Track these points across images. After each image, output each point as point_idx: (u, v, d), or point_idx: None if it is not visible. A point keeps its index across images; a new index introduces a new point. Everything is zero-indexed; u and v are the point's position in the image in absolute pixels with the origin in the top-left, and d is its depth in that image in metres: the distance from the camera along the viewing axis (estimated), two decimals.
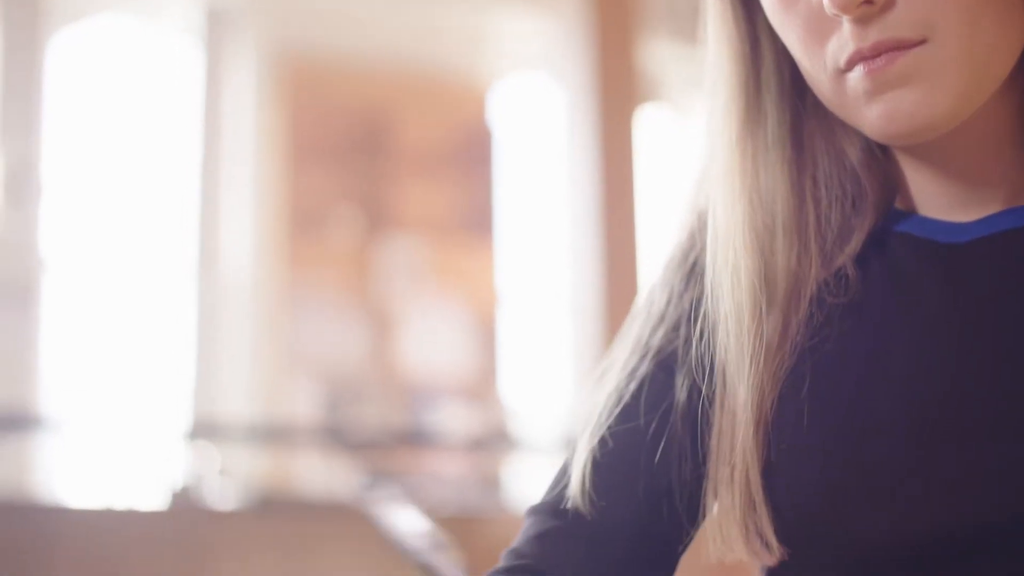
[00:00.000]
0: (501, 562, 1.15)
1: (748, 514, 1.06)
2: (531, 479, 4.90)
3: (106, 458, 4.45)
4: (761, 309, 1.08)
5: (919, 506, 1.01)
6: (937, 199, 1.09)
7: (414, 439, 4.84)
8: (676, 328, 1.15)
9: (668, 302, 1.16)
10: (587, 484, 1.13)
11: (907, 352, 1.05)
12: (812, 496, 1.05)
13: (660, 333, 1.16)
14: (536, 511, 1.17)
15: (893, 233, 1.10)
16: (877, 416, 1.04)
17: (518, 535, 1.17)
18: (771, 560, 1.08)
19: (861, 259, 1.10)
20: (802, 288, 1.09)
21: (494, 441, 5.01)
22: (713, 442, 1.09)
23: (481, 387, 5.12)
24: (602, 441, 1.14)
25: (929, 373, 1.04)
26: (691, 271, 1.16)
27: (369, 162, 5.45)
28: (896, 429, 1.03)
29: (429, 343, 5.02)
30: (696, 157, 1.18)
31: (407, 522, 0.62)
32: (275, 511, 4.32)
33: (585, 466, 1.14)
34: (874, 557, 1.04)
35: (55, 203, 4.50)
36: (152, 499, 4.33)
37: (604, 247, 5.14)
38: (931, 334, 1.05)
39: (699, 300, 1.13)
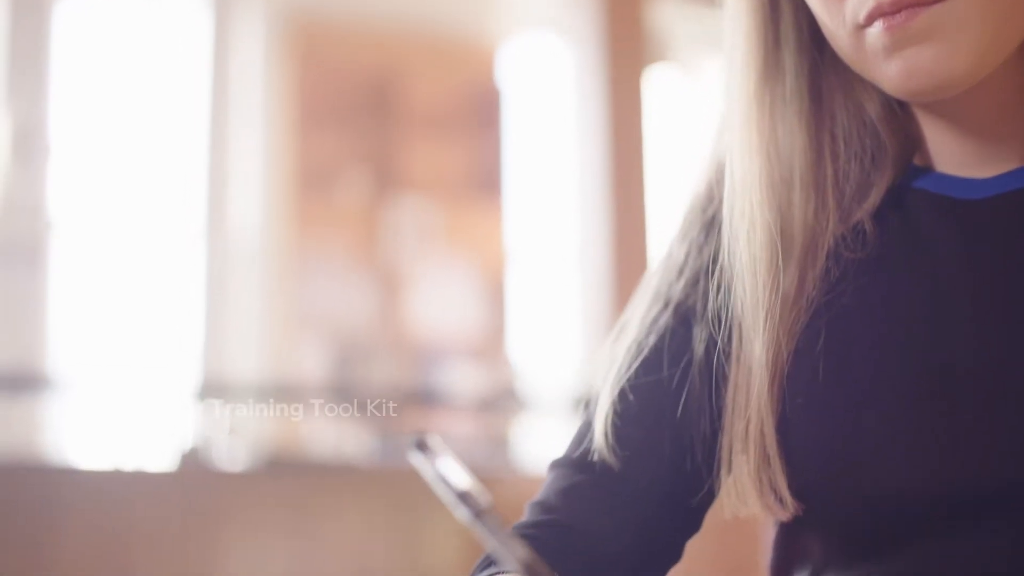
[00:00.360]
0: (527, 515, 1.15)
1: (762, 469, 1.06)
2: (540, 439, 4.90)
3: (114, 419, 4.46)
4: (777, 263, 1.07)
5: (933, 463, 1.01)
6: (954, 156, 1.09)
7: (423, 399, 4.85)
8: (695, 281, 1.14)
9: (687, 254, 1.16)
10: (611, 438, 1.13)
11: (922, 308, 1.05)
12: (826, 451, 1.05)
13: (680, 285, 1.15)
14: (560, 465, 1.17)
15: (911, 189, 1.10)
16: (892, 372, 1.04)
17: (542, 488, 1.17)
18: (784, 515, 1.08)
19: (879, 215, 1.09)
20: (819, 243, 1.08)
21: (503, 401, 5.01)
22: (729, 396, 1.09)
23: (490, 347, 5.12)
24: (624, 394, 1.14)
25: (944, 329, 1.04)
26: (710, 223, 1.15)
27: (378, 123, 5.44)
28: (911, 386, 1.03)
29: (438, 303, 5.02)
30: (714, 111, 1.18)
31: (454, 476, 0.62)
32: (284, 472, 4.32)
33: (608, 419, 1.14)
34: (887, 513, 1.04)
35: (63, 164, 4.50)
36: (161, 460, 4.33)
37: (613, 206, 5.13)
38: (946, 290, 1.05)
39: (717, 253, 1.12)
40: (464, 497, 0.67)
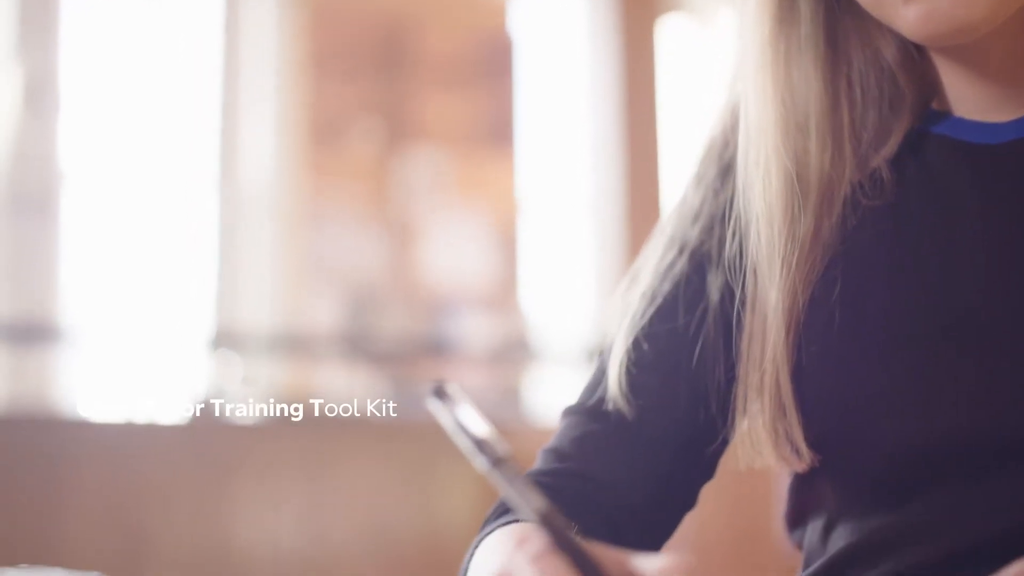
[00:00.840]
0: (541, 462, 1.15)
1: (778, 419, 1.05)
2: (553, 390, 4.90)
3: (127, 371, 4.46)
4: (793, 211, 1.06)
5: (949, 411, 1.01)
6: (972, 100, 1.08)
7: (435, 350, 4.85)
8: (710, 227, 1.13)
9: (703, 200, 1.15)
10: (625, 386, 1.12)
11: (940, 255, 1.04)
12: (842, 400, 1.04)
13: (695, 231, 1.14)
14: (573, 412, 1.16)
15: (929, 135, 1.09)
16: (908, 320, 1.03)
17: (555, 435, 1.17)
18: (801, 466, 1.07)
19: (897, 161, 1.08)
20: (835, 190, 1.07)
21: (515, 352, 5.01)
22: (744, 345, 1.08)
23: (503, 297, 5.12)
24: (639, 342, 1.13)
25: (962, 277, 1.03)
26: (726, 169, 1.14)
27: (390, 73, 5.42)
28: (928, 334, 1.02)
29: (451, 253, 5.01)
30: (728, 58, 1.16)
31: (472, 424, 0.62)
32: (297, 424, 4.33)
33: (622, 368, 1.13)
34: (903, 462, 1.03)
35: (74, 114, 4.49)
36: (173, 413, 4.34)
37: (626, 156, 5.11)
38: (964, 236, 1.04)
39: (733, 199, 1.11)
40: (482, 445, 0.67)
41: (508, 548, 0.66)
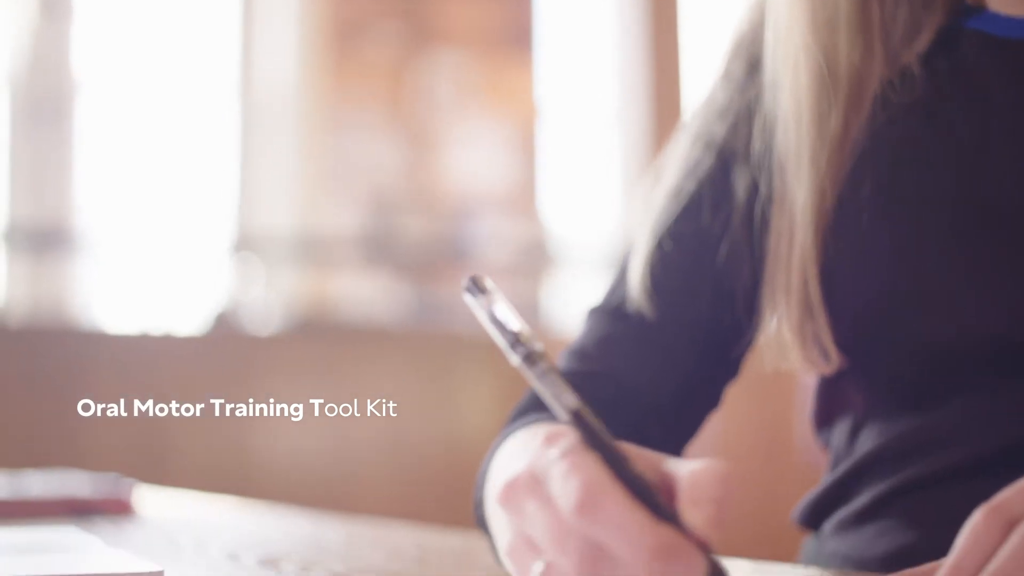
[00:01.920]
0: (564, 362, 1.14)
1: (805, 320, 1.04)
2: (573, 298, 4.90)
3: (145, 280, 4.46)
4: (821, 109, 1.04)
5: (981, 309, 1.00)
6: None
7: (455, 256, 4.84)
8: (737, 124, 1.11)
9: (730, 97, 1.12)
10: (649, 286, 1.11)
11: (971, 151, 1.02)
12: (871, 300, 1.03)
13: (721, 128, 1.12)
14: (597, 313, 1.15)
15: (963, 30, 1.06)
16: (938, 217, 1.01)
17: (579, 336, 1.15)
18: (828, 368, 1.06)
19: (928, 57, 1.06)
20: (865, 87, 1.05)
21: (536, 259, 5.01)
22: (771, 245, 1.06)
23: (524, 204, 5.10)
24: (663, 242, 1.12)
25: (993, 172, 1.01)
26: (754, 66, 1.12)
27: None
28: (958, 230, 1.01)
29: (471, 159, 4.99)
30: None
31: (507, 319, 0.61)
32: (316, 333, 4.33)
33: (646, 267, 1.11)
34: (932, 362, 1.02)
35: (90, 19, 4.46)
36: (192, 323, 4.34)
37: (649, 59, 5.08)
38: (997, 131, 1.02)
39: (760, 96, 1.09)
40: (516, 340, 0.66)
41: (536, 445, 0.65)
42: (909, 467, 1.04)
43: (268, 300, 4.47)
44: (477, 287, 0.67)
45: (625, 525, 0.59)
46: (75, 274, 4.35)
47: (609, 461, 0.62)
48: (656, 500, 0.61)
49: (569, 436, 0.64)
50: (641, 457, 0.65)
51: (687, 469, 0.62)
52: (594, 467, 0.61)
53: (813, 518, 1.14)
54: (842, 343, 1.04)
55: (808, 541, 1.16)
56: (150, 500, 1.58)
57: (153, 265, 4.46)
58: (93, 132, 4.45)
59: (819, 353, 1.04)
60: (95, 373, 3.91)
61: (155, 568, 0.77)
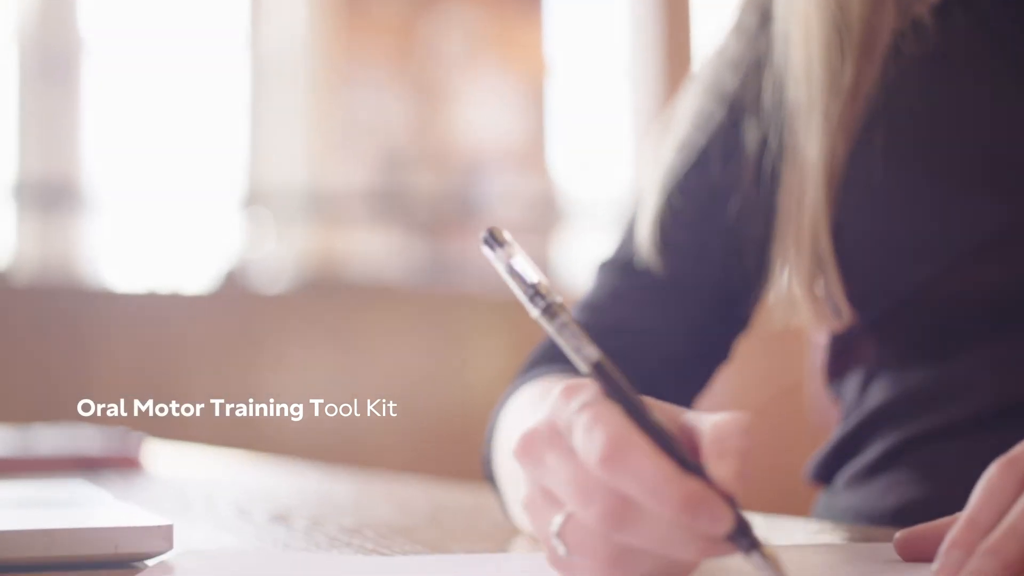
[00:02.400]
0: (575, 315, 1.13)
1: (816, 274, 1.03)
2: (583, 253, 4.89)
3: (154, 237, 4.45)
4: (833, 61, 1.03)
5: (993, 261, 0.99)
6: None
7: (464, 212, 4.83)
8: (748, 76, 1.10)
9: (742, 49, 1.11)
10: (659, 240, 1.10)
11: (985, 102, 1.01)
12: (883, 253, 1.02)
13: (731, 80, 1.11)
14: (608, 267, 1.15)
15: None
16: (955, 172, 1.00)
17: (590, 290, 1.15)
18: (839, 324, 1.05)
19: (943, 8, 1.04)
20: (877, 39, 1.04)
21: (547, 215, 5.00)
22: (781, 199, 1.05)
23: (533, 160, 5.08)
24: (672, 195, 1.11)
25: (1007, 124, 1.00)
26: (765, 18, 1.10)
27: None
28: (971, 183, 1.00)
29: (481, 115, 4.97)
30: None
31: (526, 270, 0.61)
32: (326, 291, 4.32)
33: (656, 221, 1.10)
34: (944, 316, 1.02)
35: None
36: (201, 281, 4.33)
37: (661, 12, 5.06)
38: (1012, 82, 1.01)
39: (772, 48, 1.08)
40: (535, 292, 0.65)
41: (554, 397, 0.64)
42: (920, 420, 1.03)
43: (278, 258, 4.47)
44: (495, 239, 0.67)
45: (652, 476, 0.58)
46: (83, 231, 4.35)
47: (632, 412, 0.61)
48: (682, 452, 0.60)
49: (590, 388, 0.63)
50: (660, 409, 0.64)
51: (711, 421, 0.62)
52: (618, 418, 0.61)
53: (825, 472, 1.13)
54: (853, 298, 1.03)
55: (821, 497, 1.15)
56: (159, 455, 1.58)
57: (162, 223, 4.45)
58: (102, 89, 4.44)
59: (830, 308, 1.04)
60: (103, 331, 3.92)
61: (165, 522, 0.77)
